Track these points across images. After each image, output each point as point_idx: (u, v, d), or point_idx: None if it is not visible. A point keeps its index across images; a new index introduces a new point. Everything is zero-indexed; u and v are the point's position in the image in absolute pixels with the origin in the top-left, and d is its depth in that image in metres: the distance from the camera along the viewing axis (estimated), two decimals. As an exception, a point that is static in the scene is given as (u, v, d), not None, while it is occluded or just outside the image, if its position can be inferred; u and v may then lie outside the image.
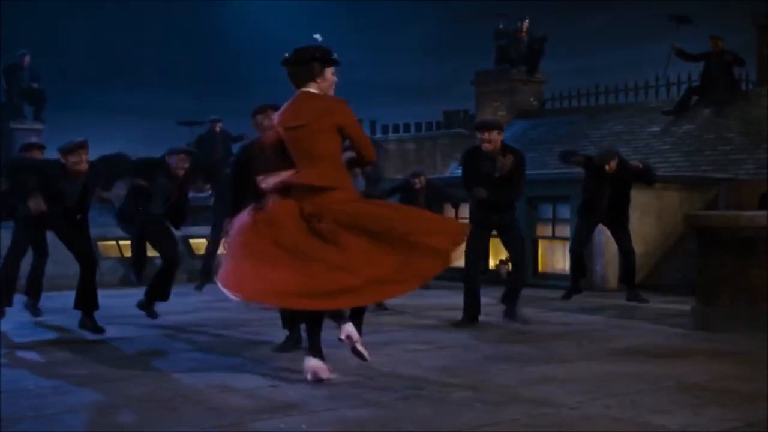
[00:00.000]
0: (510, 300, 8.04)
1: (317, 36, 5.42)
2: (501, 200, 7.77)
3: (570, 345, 6.84)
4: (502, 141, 7.80)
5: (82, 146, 7.23)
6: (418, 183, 11.08)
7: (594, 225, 9.98)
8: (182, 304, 9.47)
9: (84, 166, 7.23)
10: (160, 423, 4.36)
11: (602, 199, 9.69)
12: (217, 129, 16.48)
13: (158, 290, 8.06)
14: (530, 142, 16.26)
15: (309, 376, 5.20)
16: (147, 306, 8.05)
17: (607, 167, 9.63)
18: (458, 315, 7.96)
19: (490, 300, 8.55)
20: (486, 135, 7.63)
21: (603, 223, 9.96)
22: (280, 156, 6.21)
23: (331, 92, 5.31)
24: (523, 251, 8.19)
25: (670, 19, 15.85)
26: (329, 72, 5.27)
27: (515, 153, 7.85)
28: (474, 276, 7.91)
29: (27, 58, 18.66)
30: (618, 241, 10.00)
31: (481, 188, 7.64)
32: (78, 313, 7.31)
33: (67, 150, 7.22)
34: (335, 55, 5.32)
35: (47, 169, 7.32)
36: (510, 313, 7.98)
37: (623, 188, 9.75)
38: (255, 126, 6.79)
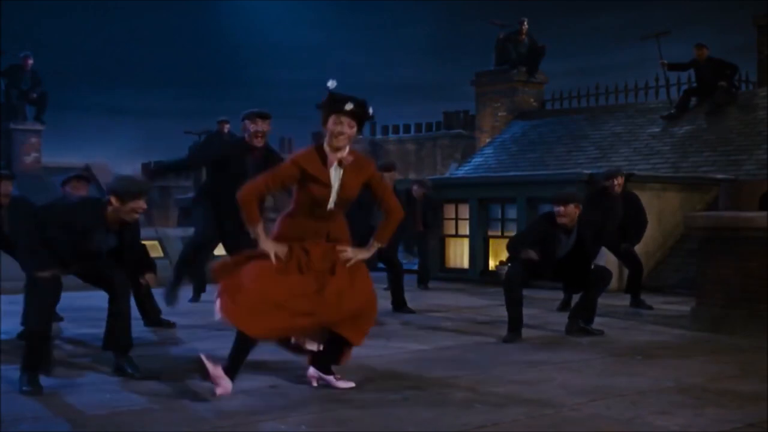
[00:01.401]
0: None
1: (330, 83, 5.18)
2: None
3: (570, 346, 6.84)
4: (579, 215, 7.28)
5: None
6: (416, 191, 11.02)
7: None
8: (179, 305, 9.46)
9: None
10: (160, 424, 4.36)
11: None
12: (225, 130, 16.46)
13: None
14: (530, 143, 16.28)
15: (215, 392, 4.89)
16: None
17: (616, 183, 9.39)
18: (458, 315, 7.96)
19: (490, 302, 8.56)
20: (562, 209, 7.16)
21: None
22: (262, 166, 6.28)
23: (335, 144, 4.91)
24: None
25: (646, 38, 15.89)
26: (330, 121, 4.92)
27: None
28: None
29: (29, 61, 18.67)
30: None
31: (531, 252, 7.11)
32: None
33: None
34: (348, 105, 4.90)
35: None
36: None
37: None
38: (243, 129, 6.83)
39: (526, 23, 17.29)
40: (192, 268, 8.80)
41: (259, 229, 4.91)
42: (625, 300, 10.08)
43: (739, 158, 13.26)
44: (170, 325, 7.55)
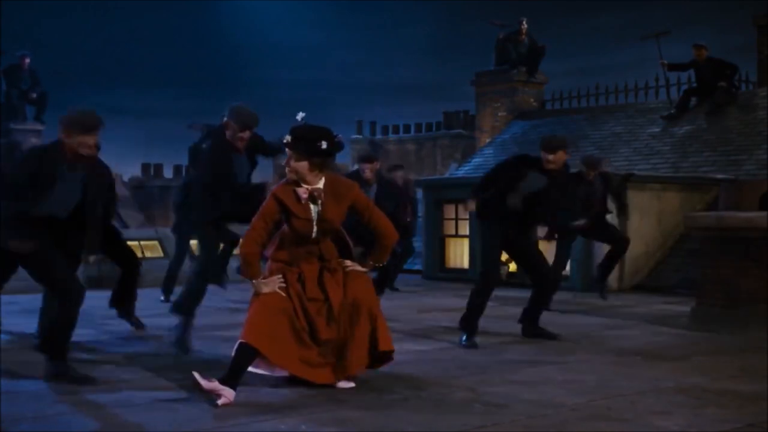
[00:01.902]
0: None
1: (299, 115, 5.12)
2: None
3: (570, 346, 6.84)
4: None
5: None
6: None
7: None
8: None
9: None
10: (161, 424, 4.36)
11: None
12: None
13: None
14: (530, 143, 16.25)
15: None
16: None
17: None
18: (458, 315, 7.94)
19: (490, 302, 8.52)
20: (551, 156, 7.00)
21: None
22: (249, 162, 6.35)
23: (307, 181, 4.94)
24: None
25: (645, 38, 15.89)
26: (292, 158, 4.93)
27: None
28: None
29: (27, 60, 18.66)
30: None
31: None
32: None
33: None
34: (322, 144, 4.88)
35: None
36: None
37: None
38: (226, 126, 6.41)
39: (525, 23, 17.29)
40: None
41: (257, 282, 4.98)
42: (625, 300, 10.10)
43: (739, 158, 13.26)
44: (139, 326, 7.36)
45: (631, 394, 5.04)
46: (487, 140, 17.39)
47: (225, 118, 6.39)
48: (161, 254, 12.16)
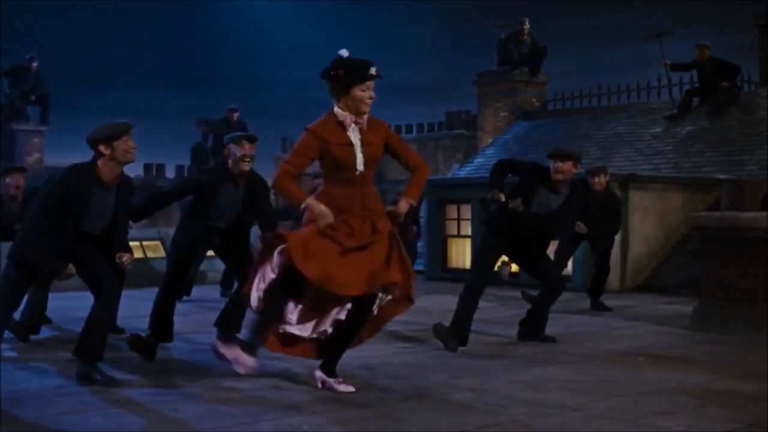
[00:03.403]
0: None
1: (342, 51, 5.19)
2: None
3: (572, 346, 6.84)
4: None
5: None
6: None
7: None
8: (177, 308, 9.48)
9: None
10: (161, 424, 4.36)
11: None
12: (234, 118, 16.42)
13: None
14: (532, 143, 16.26)
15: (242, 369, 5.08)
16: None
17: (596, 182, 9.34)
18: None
19: (491, 303, 8.56)
20: (560, 165, 6.91)
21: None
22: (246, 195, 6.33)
23: (362, 109, 4.98)
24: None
25: (647, 38, 15.87)
26: (357, 89, 4.96)
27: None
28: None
29: (35, 63, 18.66)
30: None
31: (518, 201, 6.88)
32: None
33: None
34: (372, 70, 4.96)
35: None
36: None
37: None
38: (227, 155, 6.32)
39: (527, 23, 17.28)
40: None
41: (310, 201, 4.95)
42: (627, 300, 10.10)
43: (741, 158, 13.26)
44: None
45: (632, 394, 5.04)
46: (489, 140, 17.39)
47: (226, 149, 6.34)
48: (163, 254, 12.18)
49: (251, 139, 6.38)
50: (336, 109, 5.03)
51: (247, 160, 6.28)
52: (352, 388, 5.11)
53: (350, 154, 4.98)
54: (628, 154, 14.59)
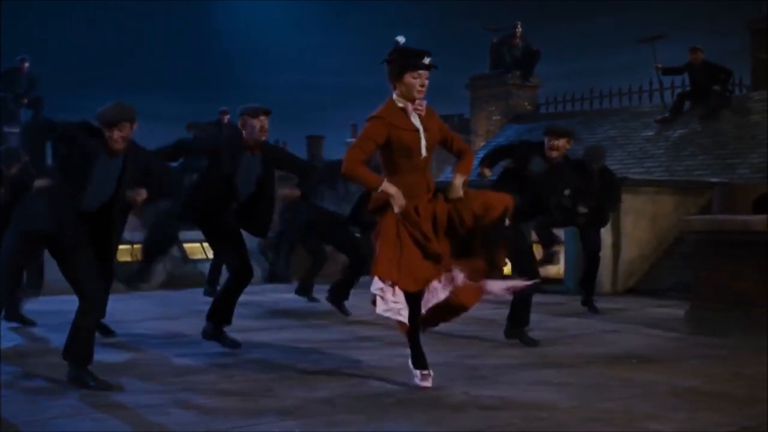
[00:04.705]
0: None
1: (399, 38, 5.31)
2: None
3: (564, 349, 6.84)
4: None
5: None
6: None
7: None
8: (169, 309, 9.48)
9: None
10: (154, 427, 4.35)
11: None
12: (225, 120, 16.42)
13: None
14: (525, 146, 16.29)
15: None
16: None
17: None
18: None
19: (485, 303, 8.50)
20: (555, 142, 7.18)
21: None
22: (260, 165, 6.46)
23: (415, 96, 5.15)
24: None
25: (641, 42, 15.92)
26: (409, 76, 5.12)
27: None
28: None
29: (26, 64, 18.58)
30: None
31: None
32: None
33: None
34: (425, 60, 5.12)
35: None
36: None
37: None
38: (242, 125, 6.46)
39: (520, 27, 17.30)
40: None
41: (384, 185, 5.06)
42: (619, 303, 10.11)
43: (733, 162, 13.29)
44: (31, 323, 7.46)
45: (625, 397, 5.04)
46: (482, 144, 17.38)
47: (239, 118, 6.45)
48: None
49: (267, 113, 6.53)
50: (395, 96, 5.20)
51: (265, 131, 6.47)
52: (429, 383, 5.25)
53: (416, 140, 5.16)
54: (620, 158, 14.61)
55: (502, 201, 5.32)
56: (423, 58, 5.13)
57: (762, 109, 14.13)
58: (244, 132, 6.47)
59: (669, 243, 11.84)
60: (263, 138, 6.50)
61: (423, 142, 5.17)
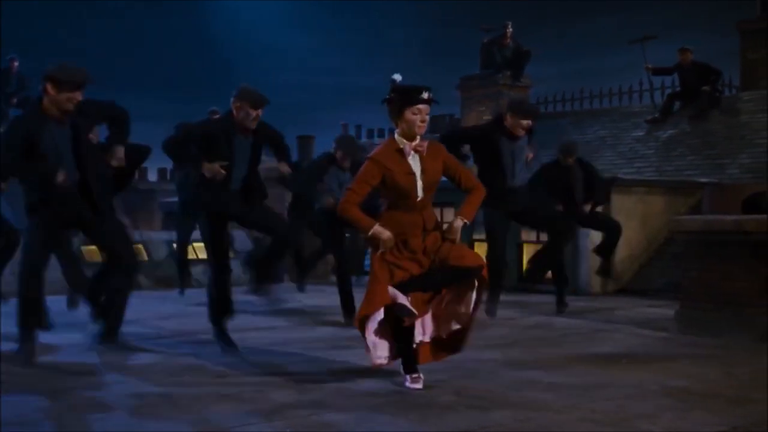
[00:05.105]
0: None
1: (396, 76, 5.32)
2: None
3: (555, 349, 6.84)
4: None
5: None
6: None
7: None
8: (162, 310, 9.46)
9: None
10: (146, 428, 4.33)
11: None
12: None
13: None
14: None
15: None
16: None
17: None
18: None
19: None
20: (524, 122, 7.78)
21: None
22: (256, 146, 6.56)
23: (416, 132, 5.14)
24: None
25: (632, 42, 15.96)
26: (409, 112, 5.11)
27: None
28: None
29: (15, 63, 18.50)
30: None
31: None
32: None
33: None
34: (424, 94, 5.10)
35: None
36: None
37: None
38: (237, 110, 6.39)
39: (510, 27, 17.32)
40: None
41: (374, 230, 5.10)
42: (610, 303, 10.13)
43: (723, 162, 13.33)
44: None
45: (616, 397, 5.04)
46: (473, 144, 17.40)
47: (232, 99, 6.41)
48: (144, 258, 12.14)
49: (267, 103, 6.51)
50: (396, 136, 5.19)
51: (257, 120, 6.48)
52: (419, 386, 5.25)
53: (411, 182, 5.13)
54: (610, 158, 14.64)
55: (478, 261, 5.27)
56: (422, 93, 5.12)
57: (751, 109, 14.20)
58: (236, 115, 6.41)
59: (659, 243, 11.87)
60: (254, 126, 6.49)
61: (419, 184, 5.15)
